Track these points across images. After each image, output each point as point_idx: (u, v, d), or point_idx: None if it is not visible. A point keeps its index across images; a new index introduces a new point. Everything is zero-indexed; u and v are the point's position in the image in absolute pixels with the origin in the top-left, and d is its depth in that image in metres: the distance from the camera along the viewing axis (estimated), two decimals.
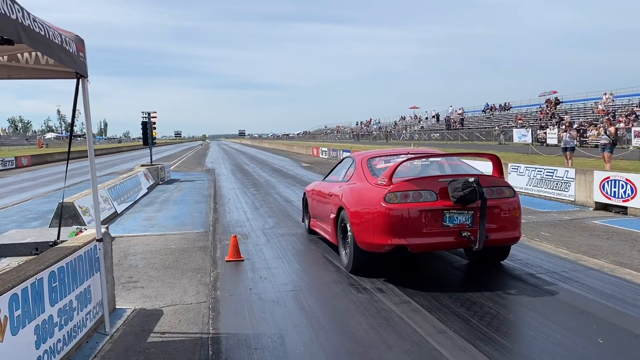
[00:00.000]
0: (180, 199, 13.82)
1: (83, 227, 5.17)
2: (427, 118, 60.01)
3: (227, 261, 6.71)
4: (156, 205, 12.69)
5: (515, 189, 4.75)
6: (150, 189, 16.21)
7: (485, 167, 9.94)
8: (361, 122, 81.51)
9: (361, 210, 3.47)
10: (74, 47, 3.69)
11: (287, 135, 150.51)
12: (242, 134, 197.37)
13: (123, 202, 12.26)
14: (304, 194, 6.67)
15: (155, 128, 20.15)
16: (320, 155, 36.19)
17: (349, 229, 3.70)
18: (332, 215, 4.09)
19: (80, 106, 4.09)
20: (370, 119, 78.10)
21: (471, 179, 3.30)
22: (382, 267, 4.98)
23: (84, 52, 3.90)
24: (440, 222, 3.12)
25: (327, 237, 4.88)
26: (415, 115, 64.10)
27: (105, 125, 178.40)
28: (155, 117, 19.97)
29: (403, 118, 66.79)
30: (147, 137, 19.81)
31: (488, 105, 50.39)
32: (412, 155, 4.19)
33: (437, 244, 3.26)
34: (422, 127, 56.72)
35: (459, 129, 48.09)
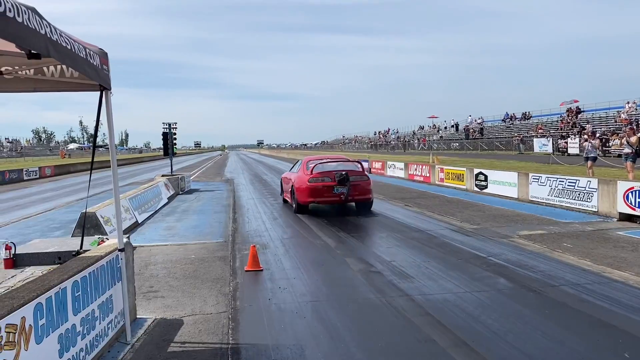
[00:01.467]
0: (200, 209, 13.87)
1: (105, 237, 5.23)
2: (445, 128, 59.60)
3: (246, 271, 6.74)
4: (176, 215, 12.77)
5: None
6: (170, 199, 16.35)
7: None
8: (379, 132, 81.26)
9: (299, 186, 8.44)
10: (97, 60, 3.75)
11: (305, 145, 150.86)
12: (260, 144, 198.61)
13: (144, 212, 12.40)
14: (281, 179, 12.10)
15: (175, 139, 20.40)
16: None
17: (295, 195, 8.73)
18: (289, 189, 9.22)
19: (103, 117, 4.17)
20: (389, 129, 77.89)
21: (344, 172, 8.23)
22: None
23: (107, 65, 3.95)
24: (332, 191, 7.88)
25: (288, 199, 10.27)
26: (434, 125, 63.70)
27: (127, 135, 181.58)
28: (176, 128, 20.22)
29: (421, 128, 66.43)
30: (168, 147, 20.05)
31: (508, 114, 49.73)
32: (326, 160, 9.73)
33: (331, 201, 8.00)
34: (441, 136, 56.29)
35: (478, 138, 47.50)
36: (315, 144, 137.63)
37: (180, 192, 18.48)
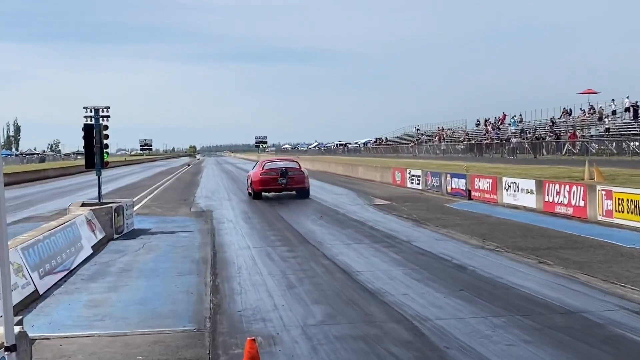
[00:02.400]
0: (152, 267, 14.14)
1: None
2: (614, 113, 58.66)
3: None
4: (109, 279, 13.04)
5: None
6: (98, 247, 16.63)
7: None
8: (486, 121, 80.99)
9: (254, 179, 29.81)
10: None
11: (345, 145, 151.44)
12: (260, 145, 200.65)
13: (50, 273, 12.61)
14: (247, 177, 33.24)
15: (107, 137, 20.76)
16: (408, 184, 36.18)
17: (252, 185, 29.96)
18: (249, 182, 30.89)
19: None
20: (504, 115, 77.45)
21: (284, 168, 29.81)
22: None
23: None
24: (277, 182, 28.77)
25: (249, 190, 31.37)
26: (592, 107, 62.83)
27: (16, 130, 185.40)
28: (108, 117, 20.59)
29: (568, 112, 65.62)
30: (94, 152, 20.37)
31: None
32: (275, 160, 36.01)
33: (276, 189, 29.29)
34: (607, 129, 55.40)
35: None
36: (365, 143, 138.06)
37: (117, 236, 18.74)
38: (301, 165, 32.90)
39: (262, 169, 30.85)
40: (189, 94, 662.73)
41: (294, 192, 30.70)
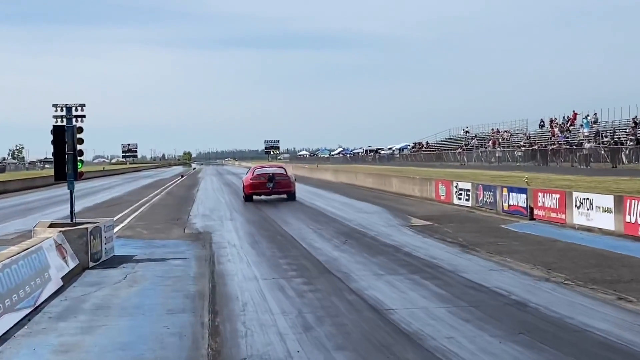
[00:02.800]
0: (137, 304, 14.20)
1: None
2: None
3: None
4: (83, 318, 13.07)
5: None
6: (69, 278, 16.64)
7: None
8: (552, 122, 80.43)
9: (246, 184, 41.91)
10: None
11: (376, 152, 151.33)
12: (271, 152, 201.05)
13: (9, 311, 12.60)
14: (242, 181, 45.66)
15: (82, 141, 20.79)
16: (455, 200, 36.02)
17: (244, 189, 42.01)
18: (243, 187, 42.79)
19: None
20: (574, 113, 76.87)
21: (272, 174, 42.33)
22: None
23: None
24: (265, 186, 40.30)
25: (243, 193, 42.92)
26: None
27: None
28: (83, 117, 20.65)
29: None
30: (65, 160, 20.40)
31: None
32: (265, 166, 50.27)
33: (265, 192, 40.60)
34: None
35: None
36: (401, 149, 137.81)
37: (93, 264, 18.79)
38: (287, 170, 47.14)
39: (253, 175, 42.73)
40: (182, 88, 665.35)
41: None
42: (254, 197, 41.56)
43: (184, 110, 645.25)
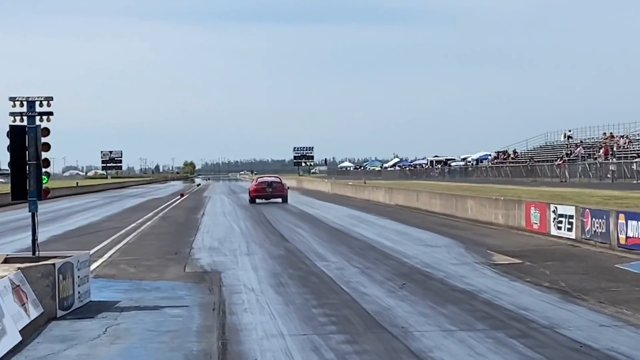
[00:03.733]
0: None
1: None
2: None
3: None
4: None
5: None
6: (30, 332, 16.60)
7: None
8: None
9: (250, 190, 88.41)
10: None
11: (445, 164, 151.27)
12: (302, 162, 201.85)
13: None
14: (249, 189, 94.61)
15: (48, 147, 20.84)
16: (552, 229, 35.78)
17: (249, 194, 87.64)
18: (249, 190, 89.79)
19: None
20: None
21: (270, 181, 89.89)
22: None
23: None
24: (265, 190, 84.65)
25: (249, 197, 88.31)
26: None
27: None
28: (50, 113, 20.70)
29: None
30: (25, 173, 20.49)
31: None
32: (265, 176, 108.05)
33: (264, 196, 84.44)
34: None
35: None
36: (482, 158, 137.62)
37: (62, 313, 18.78)
38: (282, 180, 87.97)
39: (256, 182, 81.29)
40: (182, 77, 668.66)
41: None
42: (257, 200, 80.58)
43: (184, 107, 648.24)
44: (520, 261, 27.42)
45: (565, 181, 79.77)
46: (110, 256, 31.87)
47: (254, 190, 79.23)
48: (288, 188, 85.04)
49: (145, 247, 35.83)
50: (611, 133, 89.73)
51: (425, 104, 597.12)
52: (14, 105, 20.57)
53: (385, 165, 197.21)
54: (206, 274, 26.36)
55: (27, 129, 20.54)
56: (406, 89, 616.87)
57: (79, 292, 19.95)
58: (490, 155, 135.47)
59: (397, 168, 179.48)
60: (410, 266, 27.07)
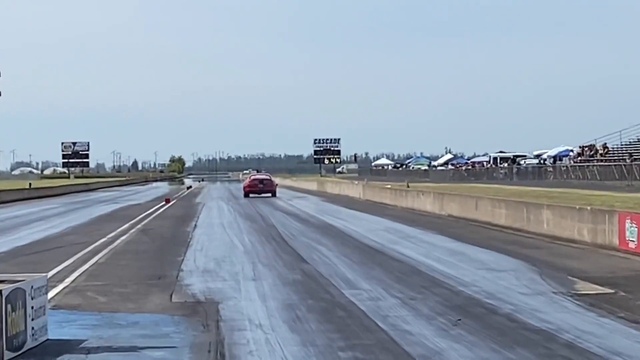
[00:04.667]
0: None
1: None
2: None
3: None
4: None
5: None
6: None
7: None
8: None
9: (244, 185, 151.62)
10: None
11: (513, 161, 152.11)
12: (326, 159, 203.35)
13: None
14: (243, 186, 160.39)
15: None
16: None
17: (244, 189, 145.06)
18: (243, 186, 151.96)
19: None
20: None
21: (262, 178, 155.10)
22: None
23: None
24: (257, 186, 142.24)
25: (243, 192, 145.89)
26: None
27: None
28: None
29: None
30: None
31: None
32: (257, 175, 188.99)
33: (256, 191, 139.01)
34: None
35: None
36: (561, 155, 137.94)
37: (10, 355, 18.82)
38: (272, 178, 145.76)
39: (250, 180, 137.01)
40: (168, 47, 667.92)
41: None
42: (250, 194, 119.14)
43: (172, 86, 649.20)
44: (612, 291, 27.41)
45: None
46: (74, 280, 31.94)
47: (248, 186, 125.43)
48: (277, 185, 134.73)
49: (120, 268, 35.97)
50: None
51: (488, 83, 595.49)
52: None
53: (435, 163, 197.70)
54: (199, 304, 26.29)
55: None
56: (463, 64, 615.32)
57: (32, 328, 19.97)
58: (572, 151, 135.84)
59: (449, 167, 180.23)
60: (467, 296, 27.04)
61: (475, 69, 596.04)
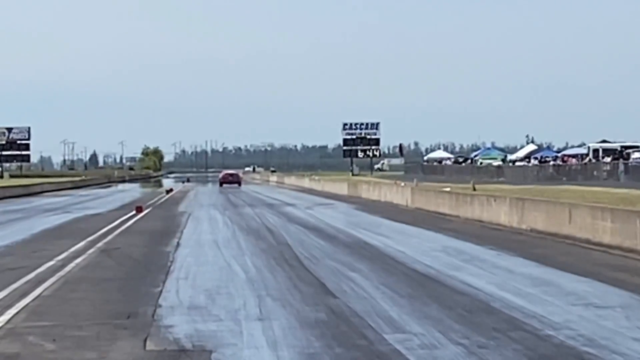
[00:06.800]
0: None
1: None
2: None
3: None
4: None
5: None
6: None
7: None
8: None
9: (220, 178, 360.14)
10: None
11: (621, 155, 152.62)
12: (359, 151, 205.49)
13: None
14: (219, 179, 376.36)
15: None
16: None
17: (220, 180, 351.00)
18: (219, 178, 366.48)
19: None
20: None
21: (232, 173, 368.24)
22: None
23: None
24: (228, 179, 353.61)
25: (219, 184, 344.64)
26: None
27: None
28: None
29: None
30: None
31: None
32: (229, 171, 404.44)
33: (228, 182, 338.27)
34: None
35: None
36: None
37: None
38: (241, 175, 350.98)
39: (223, 174, 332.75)
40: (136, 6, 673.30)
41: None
42: (224, 184, 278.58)
43: (144, 52, 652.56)
44: None
45: None
46: (9, 320, 31.90)
47: (223, 179, 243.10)
48: (242, 179, 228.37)
49: (74, 303, 35.96)
50: None
51: (585, 52, 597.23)
52: None
53: (512, 157, 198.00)
54: (185, 353, 26.03)
55: None
56: (545, 25, 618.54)
57: None
58: None
59: (532, 162, 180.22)
60: (557, 343, 26.93)
61: (567, 33, 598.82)
